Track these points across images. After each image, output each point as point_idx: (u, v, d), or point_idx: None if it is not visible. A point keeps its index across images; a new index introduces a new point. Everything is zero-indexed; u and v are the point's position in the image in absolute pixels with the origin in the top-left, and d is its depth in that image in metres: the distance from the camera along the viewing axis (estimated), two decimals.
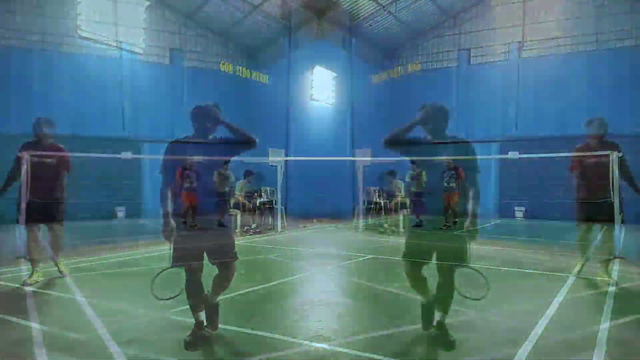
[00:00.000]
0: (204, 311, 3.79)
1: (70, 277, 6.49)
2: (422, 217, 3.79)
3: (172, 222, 3.46)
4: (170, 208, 3.50)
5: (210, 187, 3.61)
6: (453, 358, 3.34)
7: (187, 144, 3.59)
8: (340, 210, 14.93)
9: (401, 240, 3.52)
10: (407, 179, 12.71)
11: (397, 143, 3.33)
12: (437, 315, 3.60)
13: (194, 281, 3.69)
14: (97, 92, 17.66)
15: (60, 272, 6.49)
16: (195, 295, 3.72)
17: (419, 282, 3.67)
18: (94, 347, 3.67)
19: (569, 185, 5.88)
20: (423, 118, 3.35)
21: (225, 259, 3.64)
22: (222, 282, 3.80)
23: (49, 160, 6.16)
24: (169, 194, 3.52)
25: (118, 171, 17.75)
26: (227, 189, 12.50)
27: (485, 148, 19.26)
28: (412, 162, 3.31)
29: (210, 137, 3.68)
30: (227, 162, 13.55)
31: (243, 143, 3.57)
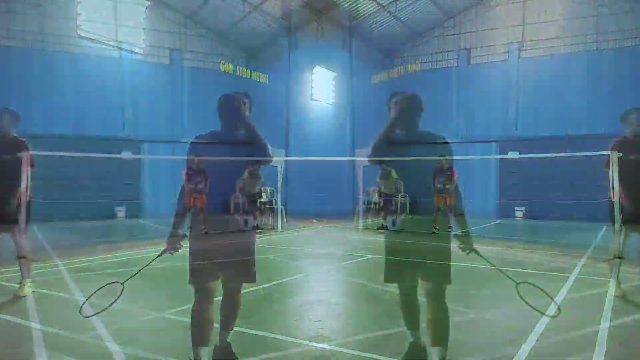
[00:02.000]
0: (213, 349, 3.22)
1: (70, 277, 6.48)
2: (392, 218, 3.45)
3: (179, 231, 3.04)
4: (182, 212, 3.10)
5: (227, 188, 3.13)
6: (453, 358, 3.33)
7: (210, 141, 3.20)
8: (340, 210, 14.92)
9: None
10: (378, 179, 12.58)
11: (380, 156, 3.04)
12: (436, 353, 2.96)
13: (202, 309, 3.10)
14: (97, 92, 17.68)
15: (19, 293, 5.44)
16: (200, 327, 3.11)
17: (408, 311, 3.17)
18: (94, 347, 3.67)
19: (603, 183, 5.47)
20: (396, 116, 3.00)
21: (239, 281, 3.21)
22: (231, 312, 3.26)
23: (8, 156, 5.33)
24: (185, 197, 3.11)
25: (118, 171, 17.76)
26: (258, 189, 12.36)
27: (485, 148, 19.27)
28: (381, 161, 2.75)
29: (239, 132, 3.19)
30: (259, 162, 13.29)
31: (259, 157, 3.18)
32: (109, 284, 3.19)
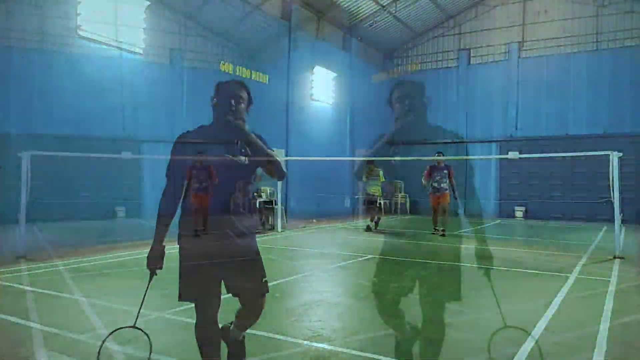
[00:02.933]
0: (227, 348, 3.00)
1: (70, 277, 6.48)
2: (376, 219, 3.15)
3: (162, 248, 2.63)
4: (167, 217, 2.68)
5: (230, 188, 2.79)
6: (453, 358, 3.33)
7: (201, 137, 2.82)
8: (340, 210, 14.91)
9: (392, 241, 2.86)
10: (364, 179, 12.40)
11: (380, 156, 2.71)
12: None
13: (207, 322, 2.76)
14: (97, 92, 17.66)
15: None
16: (207, 341, 2.80)
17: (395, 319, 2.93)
18: (94, 347, 3.67)
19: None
20: (401, 111, 2.62)
21: (251, 292, 2.81)
22: (249, 317, 2.93)
23: None
24: (170, 205, 2.71)
25: (118, 171, 17.76)
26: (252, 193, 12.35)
27: (485, 148, 19.26)
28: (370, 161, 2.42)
29: (238, 128, 2.73)
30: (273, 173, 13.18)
31: (272, 170, 2.82)
32: (120, 329, 3.02)
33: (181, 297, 2.72)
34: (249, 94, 2.85)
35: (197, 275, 2.67)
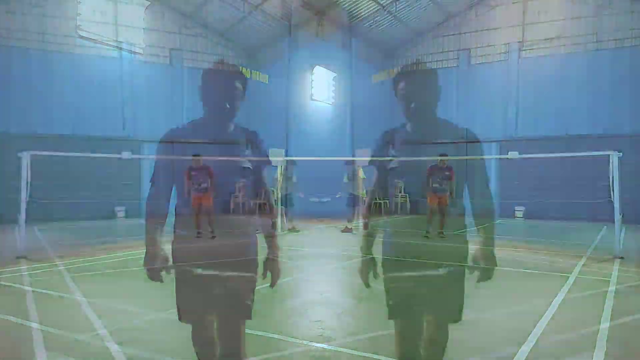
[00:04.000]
0: None
1: (70, 277, 6.48)
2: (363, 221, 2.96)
3: (160, 251, 2.55)
4: (158, 232, 2.58)
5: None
6: (453, 358, 3.33)
7: (194, 132, 2.65)
8: (341, 210, 14.93)
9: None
10: (345, 180, 12.16)
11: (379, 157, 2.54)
12: None
13: (203, 336, 2.72)
14: (97, 92, 17.67)
15: None
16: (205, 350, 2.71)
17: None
18: (94, 347, 3.67)
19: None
20: (407, 103, 2.41)
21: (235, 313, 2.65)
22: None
23: None
24: (159, 207, 2.64)
25: (118, 171, 17.76)
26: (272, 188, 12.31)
27: (485, 148, 19.25)
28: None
29: (230, 122, 2.53)
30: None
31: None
32: None
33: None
34: (243, 84, 2.59)
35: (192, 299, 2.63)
